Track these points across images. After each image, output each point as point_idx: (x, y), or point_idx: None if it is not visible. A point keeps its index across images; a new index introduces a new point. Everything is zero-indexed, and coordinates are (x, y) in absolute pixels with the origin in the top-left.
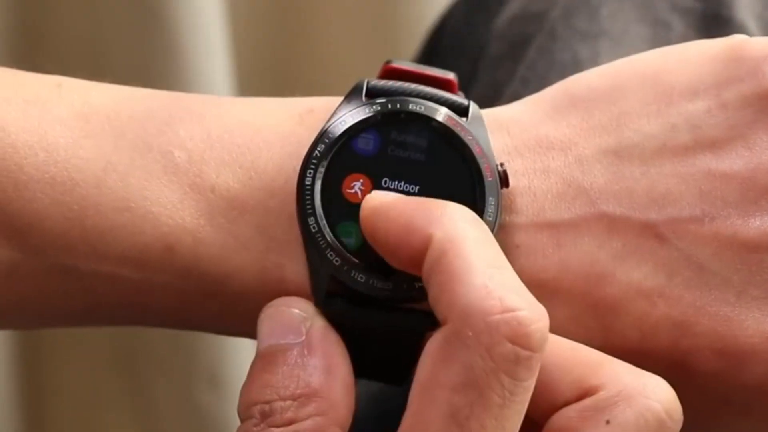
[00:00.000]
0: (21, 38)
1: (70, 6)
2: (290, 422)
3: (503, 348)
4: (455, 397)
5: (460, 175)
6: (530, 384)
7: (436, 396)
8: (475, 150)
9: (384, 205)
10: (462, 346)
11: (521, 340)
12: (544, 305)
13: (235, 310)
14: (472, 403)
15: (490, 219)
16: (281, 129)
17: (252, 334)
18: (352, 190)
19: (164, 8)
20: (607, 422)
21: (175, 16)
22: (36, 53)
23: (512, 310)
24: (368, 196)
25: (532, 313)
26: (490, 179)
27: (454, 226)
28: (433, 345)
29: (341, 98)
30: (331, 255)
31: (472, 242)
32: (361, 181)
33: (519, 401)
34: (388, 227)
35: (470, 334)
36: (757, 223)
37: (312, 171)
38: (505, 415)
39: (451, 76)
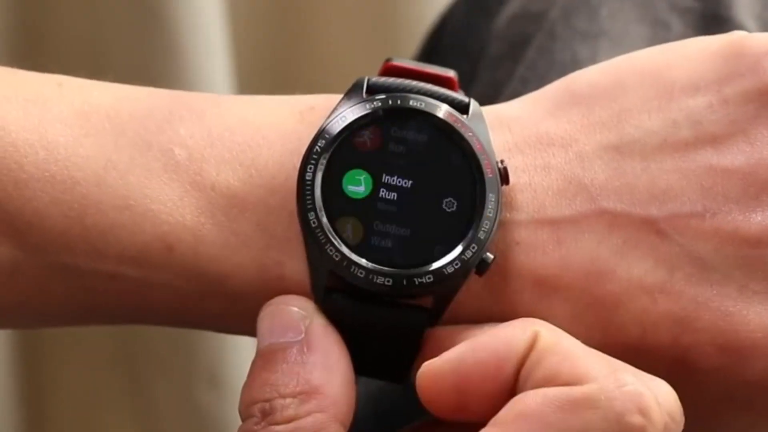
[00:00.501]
0: (21, 38)
1: (70, 6)
2: (291, 420)
3: (633, 418)
4: None
5: (461, 172)
6: None
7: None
8: (476, 146)
9: (468, 349)
10: (589, 406)
11: (649, 413)
12: (545, 302)
13: (235, 308)
14: None
15: (491, 215)
16: (282, 127)
17: (252, 332)
18: (352, 186)
19: (164, 8)
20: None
21: (175, 16)
22: (36, 53)
23: (637, 384)
24: (426, 366)
25: (652, 393)
26: (490, 176)
27: (551, 326)
28: (550, 391)
29: (342, 96)
30: (330, 250)
31: (574, 339)
32: (361, 176)
33: None
34: (482, 359)
35: (603, 398)
36: (759, 218)
37: (312, 166)
38: None
39: (451, 73)
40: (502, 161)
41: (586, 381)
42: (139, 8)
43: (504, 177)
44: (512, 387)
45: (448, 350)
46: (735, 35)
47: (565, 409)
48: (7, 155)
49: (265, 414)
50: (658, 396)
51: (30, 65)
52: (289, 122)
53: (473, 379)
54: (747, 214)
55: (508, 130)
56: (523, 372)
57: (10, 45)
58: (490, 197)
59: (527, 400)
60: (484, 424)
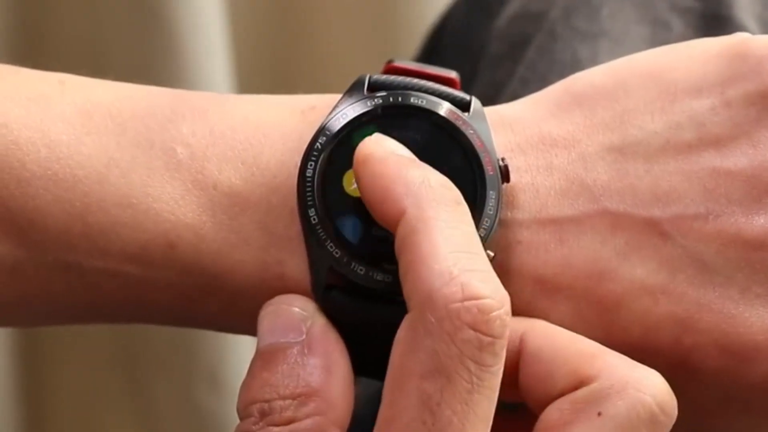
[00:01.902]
0: (21, 38)
1: (70, 6)
2: (289, 421)
3: (465, 334)
4: (424, 384)
5: (461, 169)
6: (497, 369)
7: (407, 384)
8: (476, 144)
9: (375, 155)
10: (426, 333)
11: (482, 327)
12: (546, 301)
13: (235, 306)
14: (441, 389)
15: (491, 212)
16: (283, 125)
17: (252, 331)
18: (353, 183)
19: (164, 8)
20: (599, 414)
21: (175, 16)
22: (36, 53)
23: (474, 298)
24: (368, 138)
25: (494, 299)
26: (491, 173)
27: (427, 205)
28: (401, 333)
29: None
30: (331, 247)
31: (443, 224)
32: None
33: (488, 386)
34: (371, 182)
35: (432, 320)
36: (761, 220)
37: (313, 163)
38: (475, 400)
39: (453, 74)
40: (503, 159)
41: (419, 298)
42: (139, 8)
43: (505, 175)
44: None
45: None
46: (738, 37)
47: (415, 347)
48: (10, 153)
49: (264, 414)
50: (649, 387)
51: (30, 65)
52: (291, 121)
53: (366, 184)
54: (750, 216)
55: (511, 131)
56: (396, 244)
57: (10, 45)
58: (491, 195)
59: (392, 358)
60: None
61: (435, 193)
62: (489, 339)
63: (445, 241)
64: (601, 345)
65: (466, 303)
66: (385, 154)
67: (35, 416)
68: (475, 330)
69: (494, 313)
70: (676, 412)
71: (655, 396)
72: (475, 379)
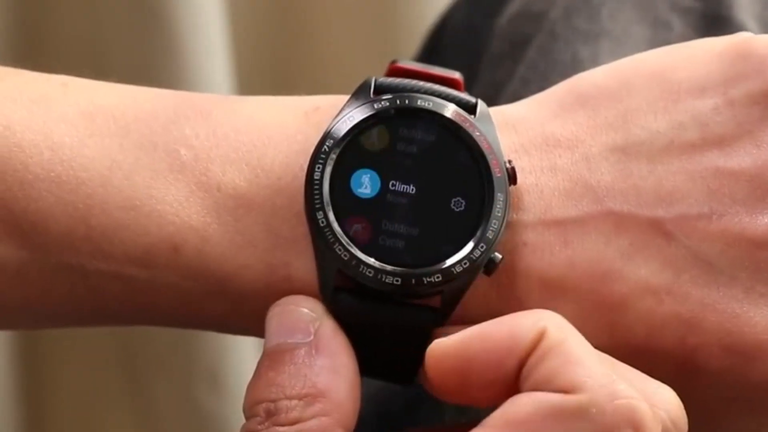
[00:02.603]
0: (21, 38)
1: (70, 6)
2: (295, 422)
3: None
4: None
5: (469, 172)
6: None
7: None
8: (484, 146)
9: (475, 334)
10: (580, 417)
11: (641, 428)
12: (552, 303)
13: (241, 308)
14: None
15: (499, 215)
16: (287, 127)
17: (258, 333)
18: (360, 185)
19: (164, 8)
20: None
21: (175, 16)
22: (36, 53)
23: (635, 399)
24: (435, 343)
25: (652, 411)
26: (498, 175)
27: (561, 323)
28: (542, 398)
29: (347, 96)
30: (339, 249)
31: (581, 338)
32: (370, 176)
33: None
34: (488, 348)
35: (594, 410)
36: (765, 220)
37: (321, 165)
38: None
39: (457, 75)
40: (509, 161)
41: (581, 390)
42: (139, 8)
43: (512, 177)
44: (515, 378)
45: (458, 332)
46: (740, 37)
47: (555, 419)
48: (12, 156)
49: (270, 414)
50: (662, 402)
51: (30, 66)
52: (295, 122)
53: (476, 365)
54: (754, 216)
55: (514, 132)
56: (526, 368)
57: (10, 45)
58: (499, 197)
59: (518, 406)
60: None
61: (560, 318)
62: None
63: (590, 349)
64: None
65: (631, 401)
66: (475, 329)
67: (35, 416)
68: (634, 430)
69: (649, 418)
70: (687, 426)
71: (668, 411)
72: None
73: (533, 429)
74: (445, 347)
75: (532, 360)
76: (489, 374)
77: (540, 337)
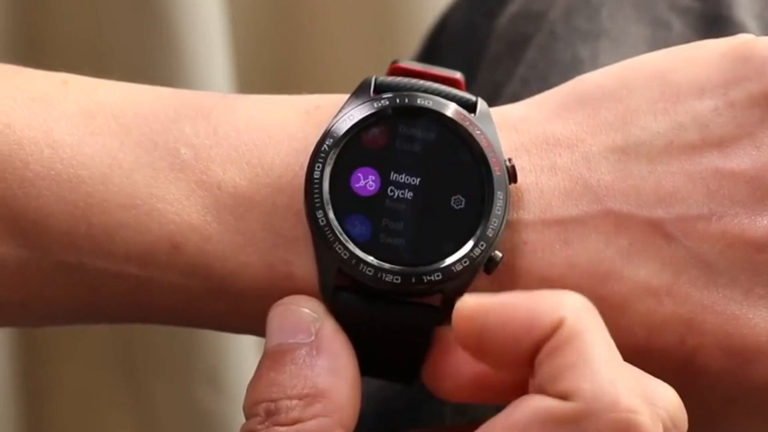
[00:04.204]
0: (21, 38)
1: (71, 6)
2: (295, 422)
3: None
4: None
5: (469, 170)
6: None
7: None
8: (484, 144)
9: (495, 301)
10: (575, 427)
11: None
12: None
13: (241, 307)
14: None
15: (499, 213)
16: (288, 126)
17: (258, 332)
18: (360, 184)
19: (164, 8)
20: None
21: (175, 16)
22: (36, 53)
23: (636, 413)
24: (462, 301)
25: (653, 421)
26: (498, 174)
27: (581, 311)
28: (540, 403)
29: (348, 95)
30: (339, 248)
31: (597, 330)
32: (370, 174)
33: None
34: (507, 320)
35: (592, 420)
36: (765, 222)
37: (320, 164)
38: None
39: (458, 75)
40: (509, 159)
41: (579, 397)
42: (139, 8)
43: (512, 175)
44: (530, 360)
45: (491, 295)
46: (741, 38)
47: (550, 427)
48: (13, 153)
49: (270, 414)
50: (662, 402)
51: (30, 65)
52: (296, 121)
53: (495, 335)
54: (753, 217)
55: (515, 131)
56: (540, 355)
57: (10, 45)
58: (499, 195)
59: (518, 411)
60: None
61: (581, 301)
62: None
63: (604, 348)
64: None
65: (630, 416)
66: (500, 298)
67: (35, 416)
68: None
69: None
70: (687, 426)
71: (668, 410)
72: None
73: None
74: (472, 307)
75: (546, 348)
76: (506, 347)
77: (557, 326)
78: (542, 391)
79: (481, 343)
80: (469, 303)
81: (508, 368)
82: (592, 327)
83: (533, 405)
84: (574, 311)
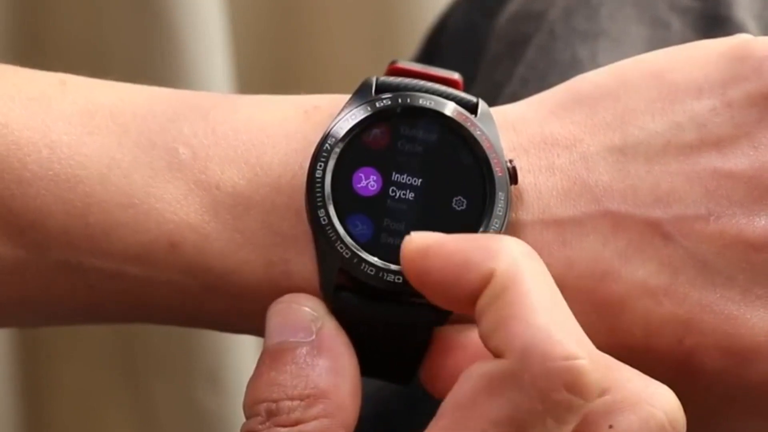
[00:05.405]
0: (21, 38)
1: (70, 6)
2: (296, 423)
3: (559, 395)
4: (492, 430)
5: (470, 171)
6: (570, 428)
7: (473, 422)
8: (485, 145)
9: (435, 243)
10: (514, 385)
11: (578, 390)
12: None
13: (240, 306)
14: None
15: (500, 214)
16: (287, 125)
17: (257, 331)
18: (362, 184)
19: (164, 8)
20: (610, 427)
21: (175, 16)
22: (36, 53)
23: (572, 358)
24: (409, 238)
25: (592, 363)
26: (500, 175)
27: (515, 261)
28: (479, 371)
29: (348, 96)
30: (341, 247)
31: (534, 279)
32: (371, 174)
33: None
34: (444, 265)
35: (526, 375)
36: (762, 222)
37: (323, 164)
38: None
39: (456, 76)
40: (511, 160)
41: (511, 352)
42: (139, 8)
43: (513, 176)
44: (473, 304)
45: (438, 236)
46: (739, 38)
47: (493, 392)
48: (10, 153)
49: (271, 414)
50: (660, 402)
51: (30, 65)
52: (295, 121)
53: (434, 277)
54: (751, 217)
55: (513, 131)
56: (478, 308)
57: (10, 45)
58: (500, 196)
59: (463, 388)
60: None
61: (518, 249)
62: (581, 402)
63: (538, 297)
64: (611, 356)
65: (565, 363)
66: (443, 238)
67: (35, 416)
68: (570, 392)
69: (592, 376)
70: (685, 427)
71: (666, 412)
72: None
73: (480, 408)
74: (412, 247)
75: (481, 300)
76: (446, 291)
77: (489, 276)
78: (486, 345)
79: (424, 283)
80: (413, 242)
81: (459, 311)
82: (527, 277)
83: (474, 374)
84: (507, 261)
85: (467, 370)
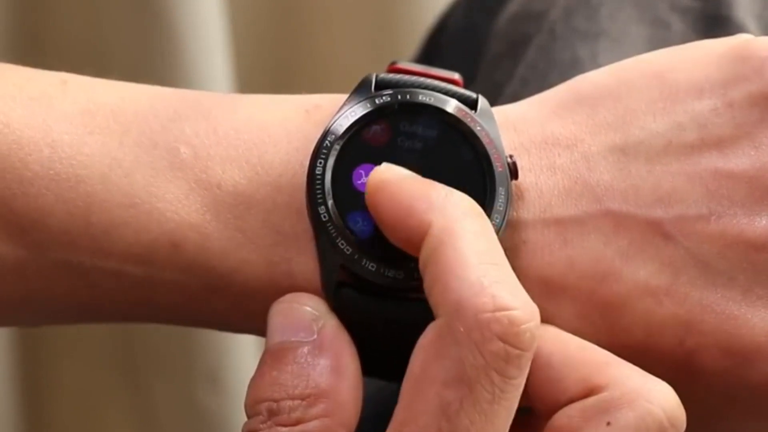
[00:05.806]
0: (21, 38)
1: (71, 6)
2: (297, 422)
3: (493, 346)
4: (445, 392)
5: (471, 166)
6: (520, 382)
7: (427, 389)
8: (485, 141)
9: (390, 180)
10: (453, 342)
11: (511, 339)
12: (552, 302)
13: (241, 305)
14: (461, 398)
15: (501, 209)
16: (288, 124)
17: (259, 330)
18: (362, 180)
19: (164, 8)
20: (608, 424)
21: (175, 16)
22: (36, 53)
23: (504, 309)
24: (378, 168)
25: (524, 312)
26: (500, 170)
27: (453, 217)
28: (425, 338)
29: (348, 95)
30: (342, 244)
31: (470, 235)
32: (371, 171)
33: (508, 398)
34: (391, 204)
35: (461, 329)
36: (763, 222)
37: (323, 160)
38: (494, 411)
39: (456, 76)
40: (511, 156)
41: (444, 308)
42: (139, 8)
43: (513, 172)
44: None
45: (398, 173)
46: (740, 38)
47: (439, 354)
48: (12, 153)
49: (272, 413)
50: (660, 400)
51: (30, 65)
52: (295, 120)
53: (385, 216)
54: (752, 217)
55: (514, 131)
56: (420, 261)
57: (10, 45)
58: (500, 191)
59: (414, 362)
60: None
61: (459, 206)
62: (517, 352)
63: (473, 252)
64: (611, 354)
65: (497, 314)
66: (401, 177)
67: (35, 416)
68: (504, 342)
69: (524, 326)
70: (684, 424)
71: (665, 408)
72: (497, 391)
73: (431, 374)
74: (373, 181)
75: (422, 256)
76: (396, 230)
77: (426, 228)
78: (430, 304)
79: (377, 216)
80: (378, 172)
81: (415, 254)
82: (463, 233)
83: (421, 342)
84: (445, 216)
85: (418, 342)
